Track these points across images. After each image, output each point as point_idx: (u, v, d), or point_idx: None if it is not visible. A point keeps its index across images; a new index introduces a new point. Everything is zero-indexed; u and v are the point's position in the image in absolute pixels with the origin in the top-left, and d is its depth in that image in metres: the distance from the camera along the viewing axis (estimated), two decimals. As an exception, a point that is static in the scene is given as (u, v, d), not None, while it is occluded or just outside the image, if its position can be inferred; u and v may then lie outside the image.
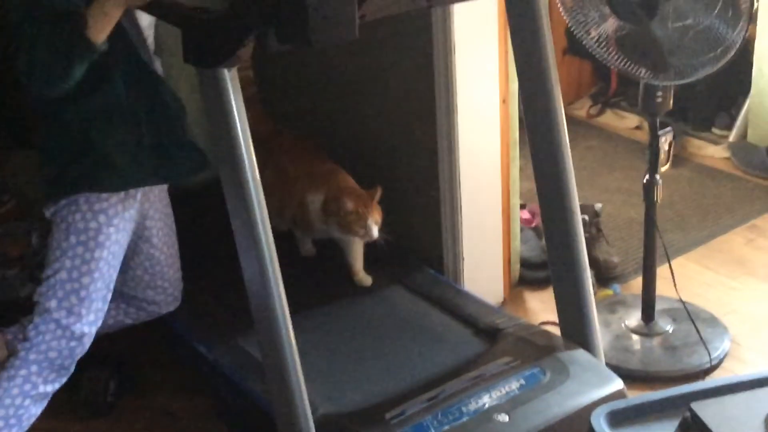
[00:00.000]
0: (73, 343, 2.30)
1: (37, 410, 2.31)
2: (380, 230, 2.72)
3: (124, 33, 2.17)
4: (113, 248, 2.32)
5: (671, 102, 2.62)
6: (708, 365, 2.73)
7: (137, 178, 2.31)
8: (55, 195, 2.29)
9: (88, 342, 2.33)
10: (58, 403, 2.59)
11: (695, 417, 1.92)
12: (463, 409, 2.24)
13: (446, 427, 2.18)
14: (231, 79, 1.86)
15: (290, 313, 2.03)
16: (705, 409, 1.92)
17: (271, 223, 2.38)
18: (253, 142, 2.09)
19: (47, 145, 2.30)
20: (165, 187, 2.54)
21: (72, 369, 2.34)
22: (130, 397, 2.75)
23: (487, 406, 2.24)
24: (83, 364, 2.57)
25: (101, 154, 2.25)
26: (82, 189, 2.26)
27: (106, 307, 2.36)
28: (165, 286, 2.59)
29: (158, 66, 2.36)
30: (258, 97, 3.12)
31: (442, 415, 2.22)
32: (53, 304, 2.28)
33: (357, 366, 2.50)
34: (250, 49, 1.76)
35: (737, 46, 2.42)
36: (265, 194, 2.73)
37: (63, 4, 2.03)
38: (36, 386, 2.28)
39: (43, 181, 2.31)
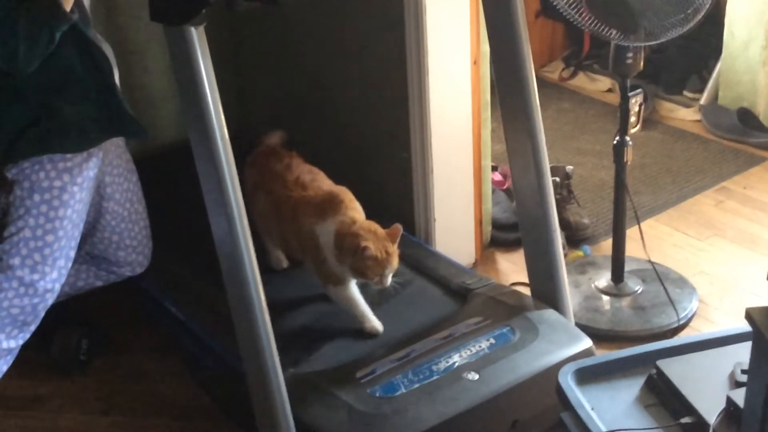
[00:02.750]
0: (36, 300, 2.31)
1: (1, 366, 2.32)
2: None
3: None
4: (77, 207, 2.32)
5: (642, 63, 2.62)
6: (676, 325, 2.77)
7: (97, 136, 2.31)
8: (15, 158, 2.28)
9: (51, 298, 2.34)
10: (29, 363, 2.60)
11: (661, 374, 1.95)
12: (434, 367, 2.26)
13: (416, 386, 2.20)
14: (198, 37, 1.85)
15: (261, 273, 2.03)
16: (671, 367, 1.95)
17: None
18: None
19: (4, 113, 2.28)
20: (123, 143, 2.53)
21: (35, 325, 2.35)
22: (101, 357, 2.75)
23: (457, 364, 2.26)
24: (55, 323, 2.58)
25: (59, 118, 2.26)
26: (43, 152, 2.26)
27: (69, 265, 2.37)
28: (134, 245, 2.59)
29: (92, 30, 2.34)
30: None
31: (413, 373, 2.24)
32: (16, 261, 2.28)
33: (328, 325, 2.50)
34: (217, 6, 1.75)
35: (707, 7, 2.43)
36: (262, 222, 2.60)
37: None
38: None
39: (2, 146, 2.30)
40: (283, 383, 2.07)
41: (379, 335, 2.45)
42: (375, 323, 2.45)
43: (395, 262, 2.42)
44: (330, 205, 2.48)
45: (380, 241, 2.39)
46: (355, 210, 2.49)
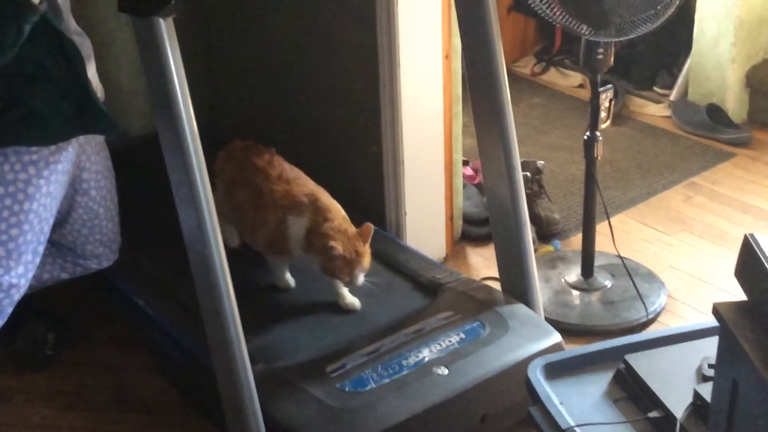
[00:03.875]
0: (0, 295, 2.27)
1: None
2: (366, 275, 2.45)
3: None
4: (44, 201, 2.29)
5: (612, 59, 2.64)
6: (645, 319, 2.78)
7: (62, 131, 2.28)
8: None
9: (16, 294, 2.31)
10: (-6, 357, 2.59)
11: (629, 368, 1.96)
12: (403, 362, 2.26)
13: (386, 381, 2.20)
14: (167, 29, 1.83)
15: (230, 268, 2.02)
16: (639, 361, 1.96)
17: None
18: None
19: None
20: (102, 139, 2.50)
21: (1, 320, 2.31)
22: (68, 351, 2.73)
23: (426, 359, 2.26)
24: (20, 316, 2.55)
25: (26, 110, 2.23)
26: (7, 143, 2.23)
27: (37, 260, 2.34)
28: (103, 240, 2.57)
29: (65, 23, 2.32)
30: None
31: (382, 368, 2.24)
32: None
33: (298, 320, 2.50)
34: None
35: (677, 3, 2.45)
36: (238, 215, 2.62)
37: None
38: None
39: None
40: (251, 377, 2.06)
41: (290, 289, 2.58)
42: (285, 280, 2.59)
43: (366, 261, 2.42)
44: (309, 202, 2.49)
45: (350, 241, 2.39)
46: (331, 212, 2.48)
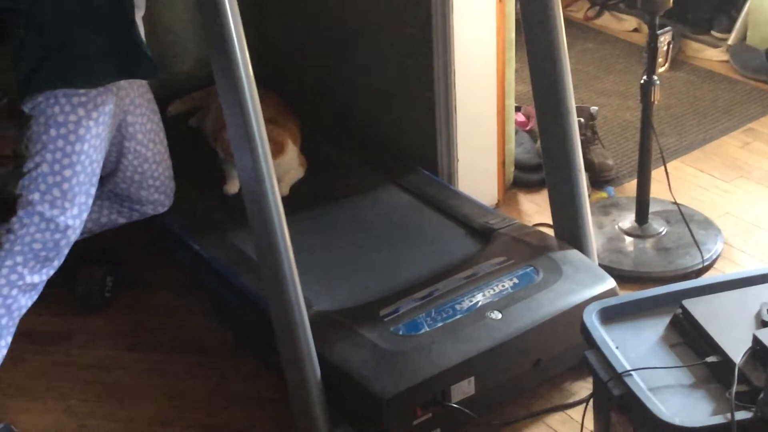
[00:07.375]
0: (57, 236, 2.30)
1: (26, 301, 2.32)
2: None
3: None
4: (93, 142, 2.32)
5: (671, 0, 2.58)
6: (700, 266, 2.75)
7: (108, 74, 2.31)
8: (30, 91, 2.28)
9: (72, 234, 2.34)
10: (55, 300, 2.63)
11: (687, 313, 1.94)
12: (457, 306, 2.26)
13: (439, 324, 2.20)
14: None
15: (285, 212, 2.03)
16: (696, 306, 1.94)
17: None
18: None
19: (22, 44, 2.28)
20: (146, 82, 2.51)
21: (58, 261, 2.35)
22: (126, 294, 2.77)
23: (480, 304, 2.26)
24: (80, 260, 2.59)
25: (74, 54, 2.25)
26: (55, 86, 2.26)
27: (90, 202, 2.37)
28: (156, 185, 2.59)
29: None
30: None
31: (436, 312, 2.24)
32: (36, 196, 2.28)
33: (352, 264, 2.51)
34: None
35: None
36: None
37: None
38: (22, 276, 2.29)
39: (18, 79, 2.30)
40: (307, 321, 2.07)
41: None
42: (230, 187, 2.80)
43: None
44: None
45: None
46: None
